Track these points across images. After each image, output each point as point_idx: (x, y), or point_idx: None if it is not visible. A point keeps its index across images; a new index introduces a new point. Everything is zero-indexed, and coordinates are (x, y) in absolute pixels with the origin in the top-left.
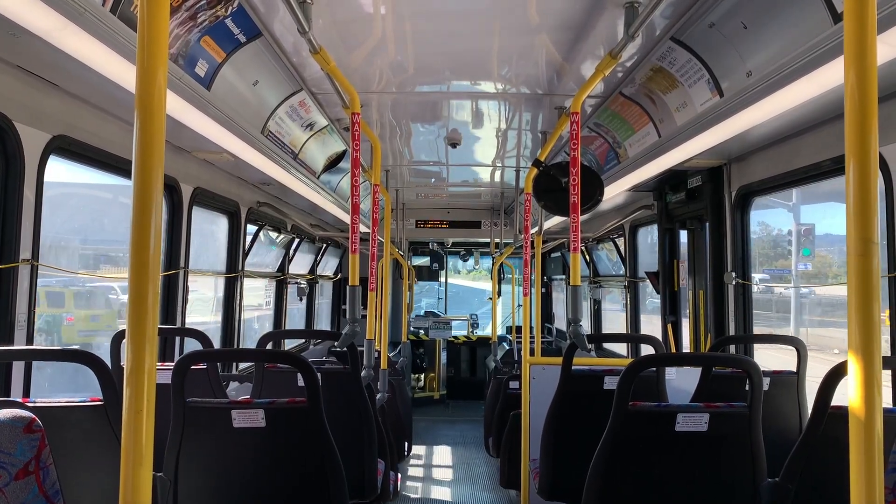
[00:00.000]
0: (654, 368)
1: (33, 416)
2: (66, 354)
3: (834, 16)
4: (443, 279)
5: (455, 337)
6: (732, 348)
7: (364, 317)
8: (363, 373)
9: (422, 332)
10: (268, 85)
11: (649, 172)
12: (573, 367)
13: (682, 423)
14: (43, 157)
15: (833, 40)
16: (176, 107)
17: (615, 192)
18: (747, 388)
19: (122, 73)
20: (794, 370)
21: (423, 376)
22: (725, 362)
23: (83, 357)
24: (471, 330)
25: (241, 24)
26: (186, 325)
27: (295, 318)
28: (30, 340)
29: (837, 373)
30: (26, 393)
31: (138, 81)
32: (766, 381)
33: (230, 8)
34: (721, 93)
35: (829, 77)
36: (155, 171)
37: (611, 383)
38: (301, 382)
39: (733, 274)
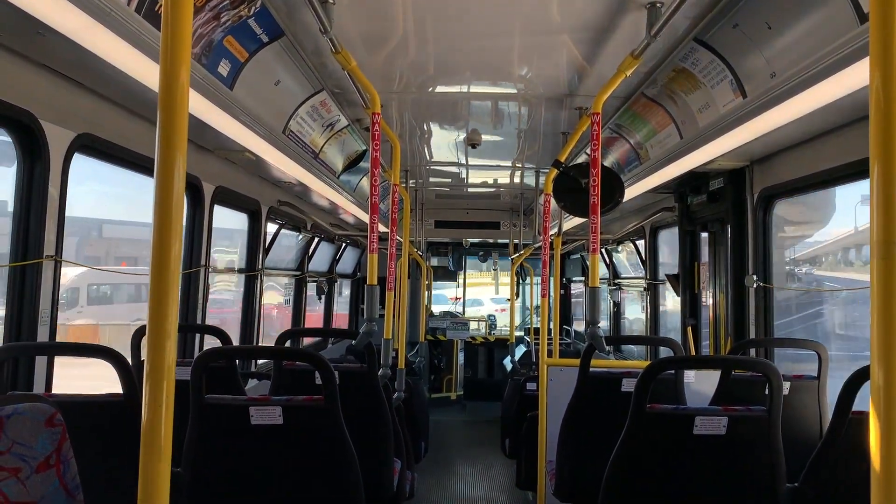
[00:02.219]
0: (673, 371)
1: (55, 409)
2: (86, 349)
3: (860, 16)
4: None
5: (473, 338)
6: (753, 352)
7: (382, 316)
8: (380, 372)
9: (439, 332)
10: (289, 85)
11: (671, 174)
12: (591, 369)
13: (700, 427)
14: (68, 154)
15: (859, 41)
16: (199, 106)
17: (636, 193)
18: (766, 392)
19: (147, 72)
20: (815, 375)
21: (440, 377)
22: (744, 365)
23: (103, 352)
24: (488, 331)
25: (263, 23)
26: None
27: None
28: (53, 336)
29: (859, 377)
30: (48, 388)
31: (161, 80)
32: (787, 385)
33: (253, 8)
34: (744, 94)
35: (856, 78)
36: (177, 169)
37: (629, 385)
38: (319, 380)
39: (755, 277)
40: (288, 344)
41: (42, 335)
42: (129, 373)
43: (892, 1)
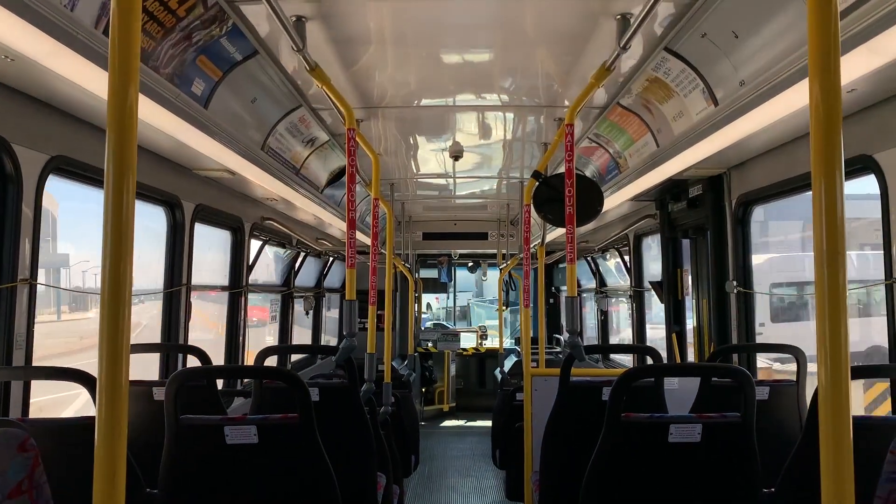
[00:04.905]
0: (653, 379)
1: (27, 434)
2: (59, 373)
3: None
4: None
5: (463, 349)
6: (736, 358)
7: (365, 330)
8: (364, 387)
9: (430, 344)
10: (266, 102)
11: (650, 182)
12: (572, 379)
13: (675, 434)
14: (41, 177)
15: None
16: (173, 125)
17: (617, 201)
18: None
19: None
20: (794, 380)
21: (432, 389)
22: (717, 372)
23: (76, 375)
24: (480, 342)
25: (236, 42)
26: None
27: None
28: (29, 360)
29: None
30: (24, 412)
31: (110, 94)
32: (766, 390)
33: (225, 27)
34: (716, 102)
35: None
36: (127, 187)
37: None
38: None
39: (734, 283)
40: (274, 360)
41: (17, 360)
42: None
43: (829, 17)
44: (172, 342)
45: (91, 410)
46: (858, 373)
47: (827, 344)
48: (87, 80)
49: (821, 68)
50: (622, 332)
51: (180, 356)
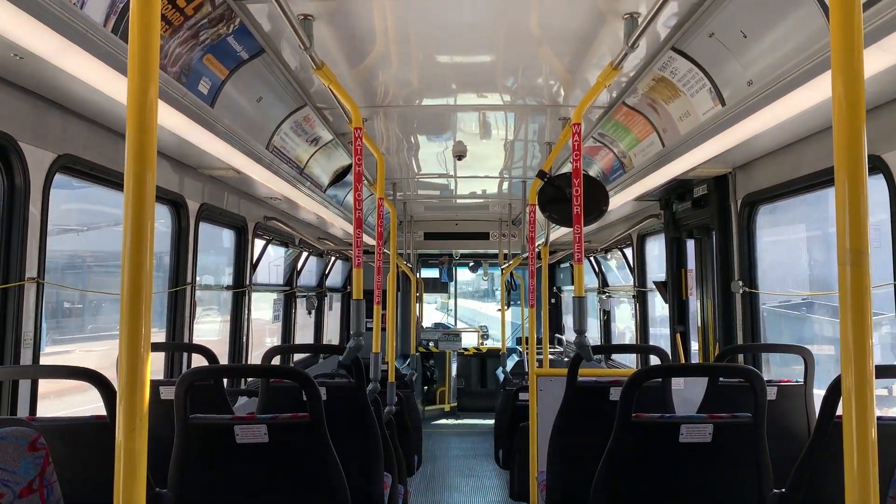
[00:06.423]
0: (661, 379)
1: (37, 433)
2: (70, 372)
3: None
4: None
5: (465, 349)
6: (742, 358)
7: (369, 330)
8: (369, 386)
9: (431, 344)
10: (272, 101)
11: (655, 182)
12: (579, 379)
13: (685, 435)
14: (48, 175)
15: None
16: (179, 124)
17: (621, 201)
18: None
19: (125, 92)
20: (802, 380)
21: (433, 389)
22: (727, 372)
23: (87, 375)
24: (481, 341)
25: (243, 41)
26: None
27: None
28: (36, 359)
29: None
30: (32, 411)
31: (129, 97)
32: (774, 390)
33: (232, 26)
34: (723, 102)
35: (830, 85)
36: (147, 186)
37: (617, 394)
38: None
39: (740, 283)
40: (277, 360)
41: (25, 359)
42: (114, 395)
43: (851, 11)
44: (177, 341)
45: (100, 410)
46: (883, 372)
47: (850, 344)
48: (96, 79)
49: (843, 63)
50: (620, 330)
51: (184, 356)
